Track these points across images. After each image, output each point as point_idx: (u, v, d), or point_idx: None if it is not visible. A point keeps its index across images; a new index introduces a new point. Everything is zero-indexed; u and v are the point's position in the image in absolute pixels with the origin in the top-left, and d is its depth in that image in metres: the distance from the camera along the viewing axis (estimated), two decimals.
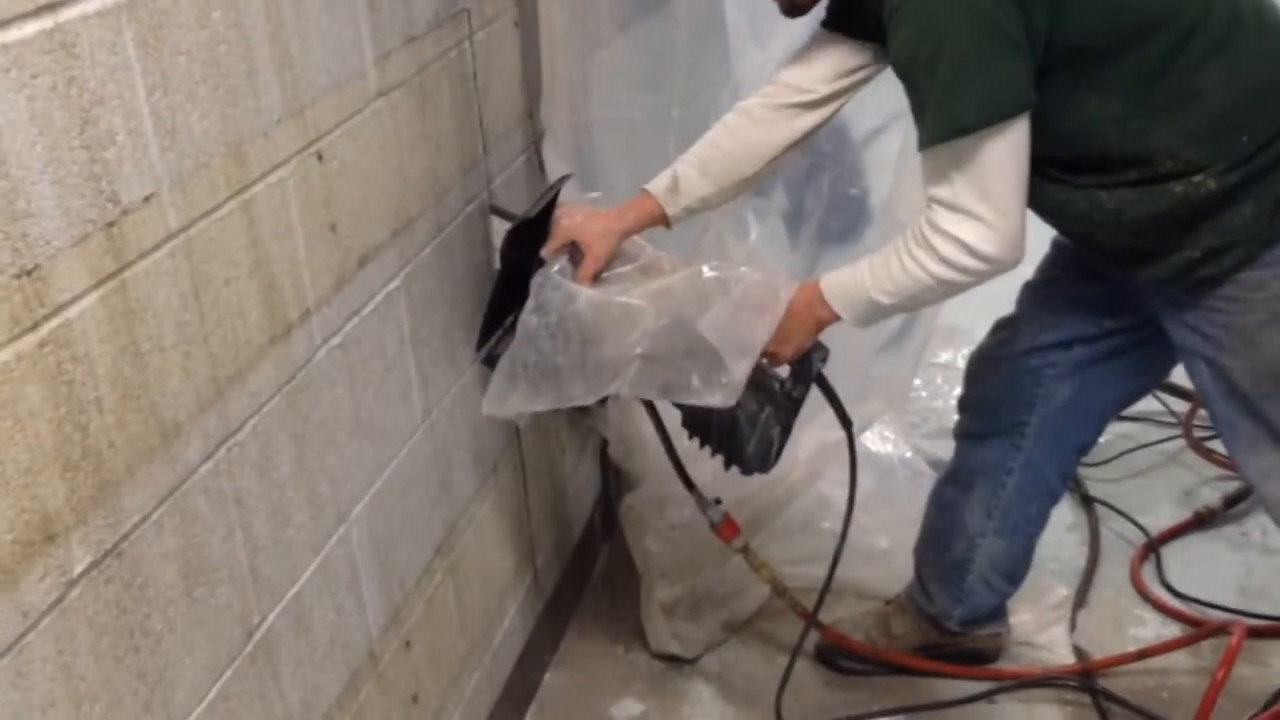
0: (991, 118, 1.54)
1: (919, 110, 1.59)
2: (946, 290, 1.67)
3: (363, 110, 1.52)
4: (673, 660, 2.32)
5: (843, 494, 2.15)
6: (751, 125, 1.89)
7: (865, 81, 1.87)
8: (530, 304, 1.77)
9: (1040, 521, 2.16)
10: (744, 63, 2.34)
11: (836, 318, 1.76)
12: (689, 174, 1.88)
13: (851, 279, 1.74)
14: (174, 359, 1.18)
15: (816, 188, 2.51)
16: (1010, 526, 2.12)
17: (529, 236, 1.87)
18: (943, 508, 2.17)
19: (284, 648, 1.41)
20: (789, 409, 1.84)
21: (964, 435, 2.14)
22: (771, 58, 2.31)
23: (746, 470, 1.89)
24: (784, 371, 1.83)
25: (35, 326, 1.01)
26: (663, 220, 1.90)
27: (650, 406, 2.01)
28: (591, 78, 2.07)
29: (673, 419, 2.00)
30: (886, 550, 2.41)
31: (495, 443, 2.05)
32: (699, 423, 1.89)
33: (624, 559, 2.43)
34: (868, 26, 1.73)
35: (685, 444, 2.05)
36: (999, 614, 2.27)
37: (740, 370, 1.72)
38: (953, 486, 2.15)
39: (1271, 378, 1.69)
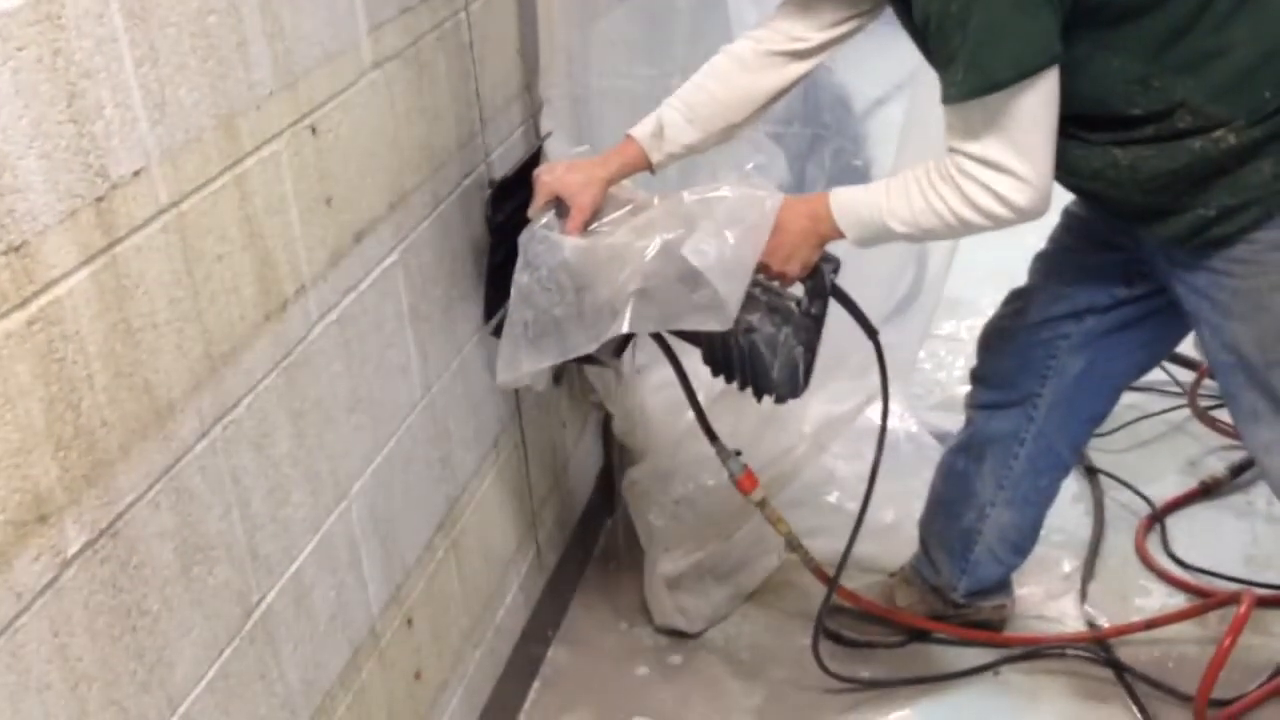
0: (1025, 71, 1.52)
1: (947, 64, 1.56)
2: (966, 230, 1.65)
3: (357, 82, 1.50)
4: (677, 635, 2.32)
5: (848, 468, 2.15)
6: (740, 71, 1.84)
7: (858, 30, 1.83)
8: (520, 262, 1.75)
9: (1050, 493, 2.14)
10: (744, 31, 2.31)
11: (840, 235, 1.73)
12: (675, 119, 1.84)
13: (866, 200, 1.70)
14: (167, 336, 1.16)
15: (819, 159, 2.49)
16: (1021, 497, 2.11)
17: (513, 199, 1.84)
18: (952, 477, 2.16)
19: (284, 626, 1.40)
20: (809, 327, 1.79)
21: (976, 406, 2.12)
22: None
23: (778, 398, 1.85)
24: (799, 291, 1.79)
25: (24, 304, 0.99)
26: (646, 166, 1.86)
27: (673, 358, 1.98)
28: (591, 48, 2.05)
29: (694, 363, 1.96)
30: (891, 524, 2.40)
31: (496, 418, 2.03)
32: (718, 357, 1.85)
33: (627, 534, 2.42)
34: None
35: (706, 396, 2.02)
36: (1004, 586, 2.26)
37: (731, 291, 1.68)
38: (963, 456, 2.13)
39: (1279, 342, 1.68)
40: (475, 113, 1.88)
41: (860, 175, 2.66)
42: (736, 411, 2.13)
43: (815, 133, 2.51)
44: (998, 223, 1.61)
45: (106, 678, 1.11)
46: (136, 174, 1.11)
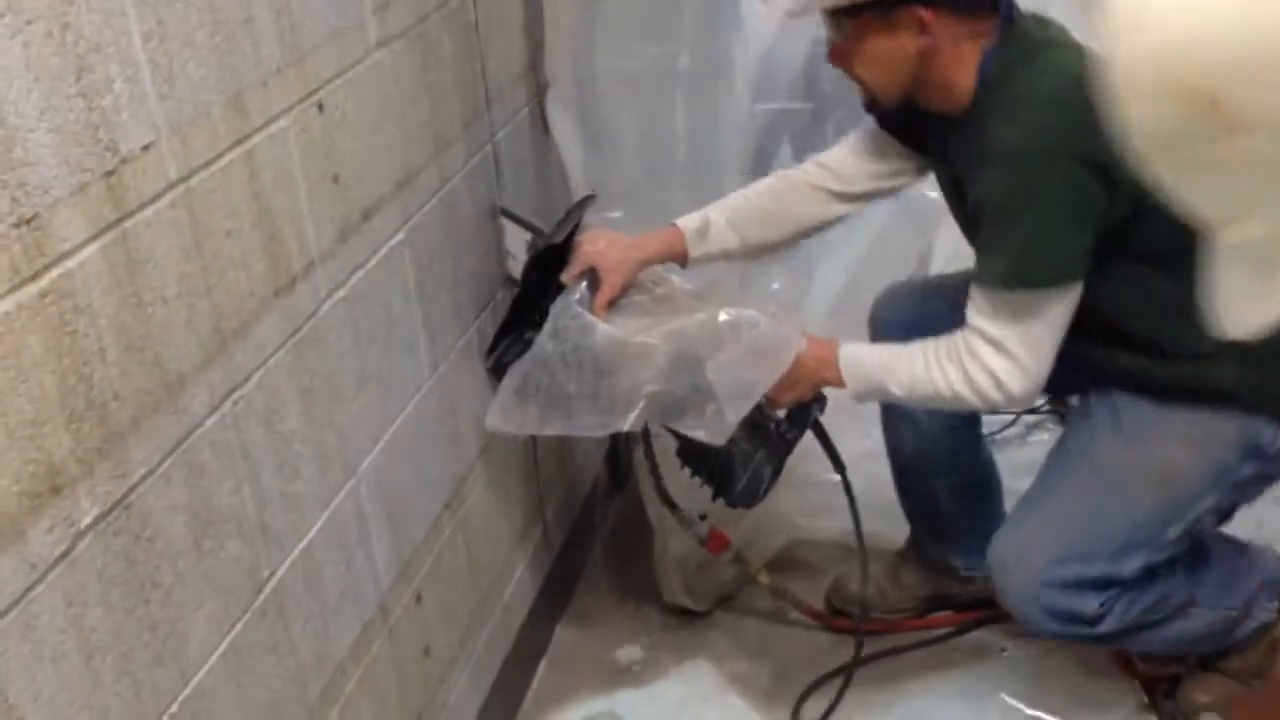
0: (1061, 281, 1.65)
1: (989, 249, 1.68)
2: (958, 406, 1.75)
3: (363, 60, 1.50)
4: (684, 613, 2.33)
5: (856, 447, 2.15)
6: (789, 194, 1.96)
7: (899, 189, 1.99)
8: (548, 329, 1.80)
9: (974, 435, 2.18)
10: (751, 9, 2.31)
11: (841, 384, 1.81)
12: (720, 223, 1.93)
13: (872, 361, 1.81)
14: (177, 311, 1.17)
15: (820, 133, 2.48)
16: (951, 461, 2.15)
17: (551, 257, 1.89)
18: (894, 463, 2.21)
19: (294, 601, 1.41)
20: (782, 450, 1.90)
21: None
22: (779, 5, 2.30)
23: (732, 504, 1.96)
24: (780, 413, 1.87)
25: (36, 276, 1.00)
26: (683, 258, 1.94)
27: (643, 431, 2.04)
28: (595, 27, 2.05)
29: (664, 446, 2.03)
30: (897, 501, 2.40)
31: None
32: (694, 456, 1.92)
33: (633, 513, 2.43)
34: (921, 137, 1.86)
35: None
36: None
37: (735, 413, 1.76)
38: (893, 438, 2.18)
39: None
40: (481, 92, 1.88)
41: None
42: None
43: (816, 106, 2.50)
44: (987, 404, 1.72)
45: (120, 649, 1.11)
46: (146, 149, 1.11)
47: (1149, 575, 1.78)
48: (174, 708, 1.19)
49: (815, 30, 2.37)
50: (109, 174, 1.07)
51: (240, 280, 1.27)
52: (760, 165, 2.60)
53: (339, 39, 1.44)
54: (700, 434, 1.78)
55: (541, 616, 2.25)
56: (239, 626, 1.30)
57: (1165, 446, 1.76)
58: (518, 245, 2.00)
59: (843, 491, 1.99)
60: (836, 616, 2.29)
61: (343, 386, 1.50)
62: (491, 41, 1.91)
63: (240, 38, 1.24)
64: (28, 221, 0.98)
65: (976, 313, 1.69)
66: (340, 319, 1.48)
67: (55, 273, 1.01)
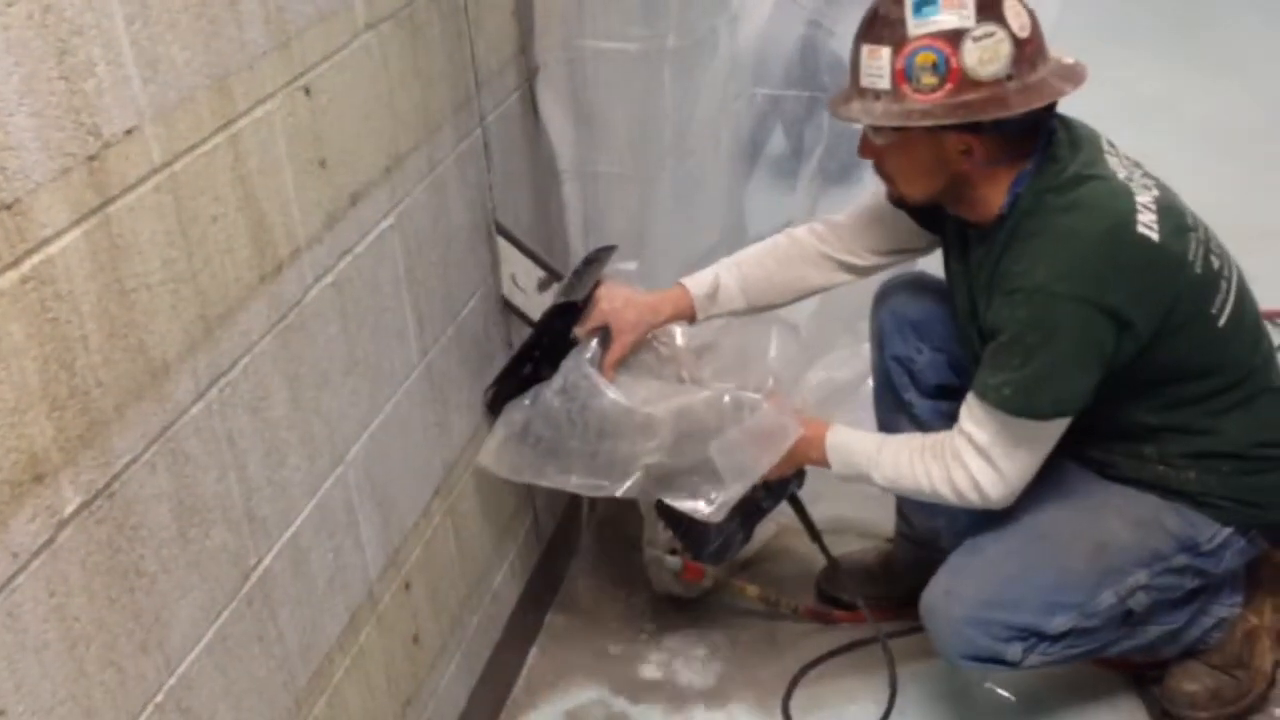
0: (1059, 416, 1.71)
1: (997, 368, 1.70)
2: (935, 500, 1.80)
3: (350, 43, 1.49)
4: (673, 601, 2.32)
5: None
6: (799, 259, 2.01)
7: (903, 263, 2.05)
8: (557, 384, 1.83)
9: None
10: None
11: (827, 465, 1.88)
12: (729, 286, 1.99)
13: (859, 449, 1.86)
14: (162, 297, 1.16)
15: (817, 123, 2.47)
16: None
17: (568, 307, 1.91)
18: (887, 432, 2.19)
19: (281, 589, 1.40)
20: (755, 518, 1.96)
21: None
22: None
23: (698, 561, 2.04)
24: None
25: (17, 262, 0.98)
26: (691, 319, 1.99)
27: None
28: (584, 10, 2.03)
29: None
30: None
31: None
32: (671, 514, 1.94)
33: (625, 502, 2.41)
34: (936, 219, 1.88)
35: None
36: None
37: (734, 493, 1.81)
38: (884, 418, 2.17)
39: None
40: (470, 76, 1.87)
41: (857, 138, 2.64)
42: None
43: (813, 95, 2.48)
44: (963, 503, 1.78)
45: (104, 638, 1.11)
46: (129, 133, 1.10)
47: (1076, 633, 1.82)
48: (159, 697, 1.18)
49: (808, 14, 2.36)
50: (91, 158, 1.05)
51: (225, 266, 1.26)
52: (752, 149, 2.59)
53: (326, 22, 1.42)
54: (695, 510, 1.82)
55: (531, 604, 2.25)
56: (225, 615, 1.29)
57: (1107, 519, 1.82)
58: (510, 263, 2.00)
59: (830, 478, 1.98)
60: (829, 607, 2.29)
61: (330, 373, 1.49)
62: (481, 25, 1.89)
63: (225, 20, 1.23)
64: (8, 207, 0.97)
65: (970, 420, 1.73)
66: (328, 305, 1.47)
67: (36, 259, 1.00)
